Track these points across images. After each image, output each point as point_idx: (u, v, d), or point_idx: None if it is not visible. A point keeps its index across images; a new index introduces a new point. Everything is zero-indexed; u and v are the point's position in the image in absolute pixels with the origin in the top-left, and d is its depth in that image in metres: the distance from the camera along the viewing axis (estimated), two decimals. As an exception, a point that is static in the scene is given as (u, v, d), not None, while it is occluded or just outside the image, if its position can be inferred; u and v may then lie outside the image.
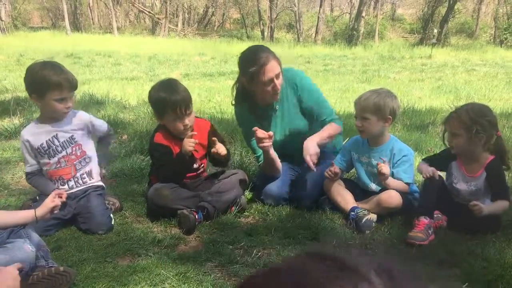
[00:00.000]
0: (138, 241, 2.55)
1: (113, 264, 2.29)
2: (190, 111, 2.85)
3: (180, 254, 2.43)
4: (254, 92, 3.04)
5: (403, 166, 2.90)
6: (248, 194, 3.21)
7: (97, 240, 2.57)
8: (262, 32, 30.14)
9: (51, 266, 2.08)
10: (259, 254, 2.45)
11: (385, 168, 2.75)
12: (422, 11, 29.14)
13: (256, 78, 2.89)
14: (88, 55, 15.66)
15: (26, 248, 2.00)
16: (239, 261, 2.35)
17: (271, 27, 28.81)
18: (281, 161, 3.21)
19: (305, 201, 3.03)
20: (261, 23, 30.73)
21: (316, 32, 27.43)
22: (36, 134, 2.78)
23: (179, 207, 2.78)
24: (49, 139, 2.77)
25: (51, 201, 2.27)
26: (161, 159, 2.91)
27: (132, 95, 7.72)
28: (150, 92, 2.91)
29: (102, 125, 3.05)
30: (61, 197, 2.34)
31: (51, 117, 2.79)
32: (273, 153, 3.00)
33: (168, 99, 2.77)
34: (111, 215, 2.79)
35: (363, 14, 25.94)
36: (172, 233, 2.69)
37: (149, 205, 2.91)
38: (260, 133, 2.84)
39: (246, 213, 2.99)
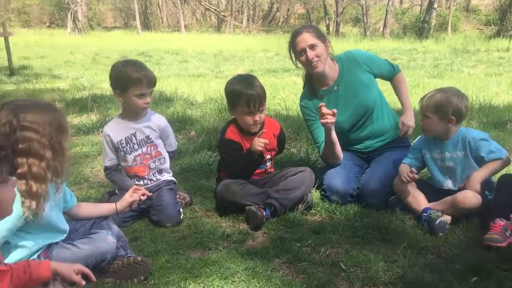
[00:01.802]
0: (208, 235, 2.63)
1: (185, 256, 2.38)
2: (262, 108, 2.90)
3: (248, 250, 2.47)
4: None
5: (487, 148, 2.78)
6: (314, 192, 3.20)
7: (170, 232, 2.68)
8: (328, 26, 29.77)
9: (130, 256, 2.21)
10: (327, 252, 2.44)
11: None
12: (499, 1, 27.40)
13: (292, 49, 3.19)
14: (157, 53, 16.27)
15: (109, 239, 2.13)
16: (307, 259, 2.36)
17: (336, 21, 28.37)
18: (345, 153, 3.23)
19: (373, 199, 2.98)
20: (326, 17, 30.35)
21: (384, 26, 26.67)
22: (116, 129, 2.92)
23: (247, 203, 2.83)
24: (127, 136, 2.90)
25: (130, 196, 2.42)
26: (231, 155, 2.97)
27: (199, 92, 7.91)
28: (226, 84, 3.00)
29: (172, 144, 3.13)
30: (144, 195, 2.53)
31: (132, 113, 2.92)
32: (334, 136, 3.05)
33: (243, 92, 2.85)
34: (181, 209, 2.88)
35: (435, 5, 24.86)
36: (240, 228, 2.74)
37: (218, 200, 2.98)
38: (325, 109, 2.93)
39: (312, 211, 2.98)
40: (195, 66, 13.34)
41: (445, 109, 2.76)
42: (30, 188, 1.79)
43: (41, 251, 1.99)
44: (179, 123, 5.23)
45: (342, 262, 2.32)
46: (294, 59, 3.22)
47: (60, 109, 2.02)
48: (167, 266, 2.27)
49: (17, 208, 1.79)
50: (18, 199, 1.77)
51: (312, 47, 3.08)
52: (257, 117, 2.89)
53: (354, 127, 3.27)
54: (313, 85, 3.31)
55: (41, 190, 1.82)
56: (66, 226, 2.13)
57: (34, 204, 1.81)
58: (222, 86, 8.47)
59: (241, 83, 2.91)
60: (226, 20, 30.94)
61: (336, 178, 3.08)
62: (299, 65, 3.23)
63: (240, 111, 2.90)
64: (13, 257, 1.88)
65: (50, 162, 1.85)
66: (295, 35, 3.15)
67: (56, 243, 2.05)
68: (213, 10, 33.66)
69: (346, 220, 2.83)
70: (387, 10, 26.85)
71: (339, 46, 19.62)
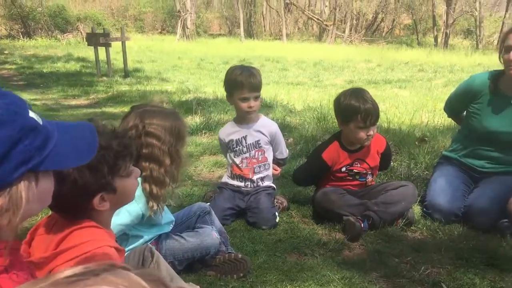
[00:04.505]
0: (304, 240, 2.66)
1: (282, 259, 2.43)
2: (377, 122, 2.86)
3: (345, 259, 2.46)
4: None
5: None
6: (416, 207, 3.09)
7: (267, 234, 2.74)
8: (436, 38, 28.42)
9: (231, 252, 2.32)
10: (428, 271, 2.35)
11: None
12: None
13: (502, 41, 2.91)
14: (258, 60, 16.65)
15: (213, 234, 2.25)
16: (406, 276, 2.29)
17: (446, 33, 26.97)
18: (454, 170, 3.11)
19: (480, 217, 2.80)
20: (435, 28, 29.00)
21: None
22: (228, 131, 3.08)
23: (344, 213, 2.81)
24: (238, 139, 3.03)
25: None
26: (311, 169, 3.08)
27: (298, 100, 7.97)
28: (339, 98, 2.93)
29: (283, 152, 3.17)
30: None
31: (241, 117, 3.04)
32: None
33: (361, 107, 2.77)
34: (276, 213, 2.94)
35: (560, 17, 22.66)
36: (337, 237, 2.73)
37: (315, 208, 3.00)
38: None
39: (413, 228, 2.88)
40: (294, 74, 13.48)
41: None
42: (152, 191, 1.95)
43: (152, 240, 2.15)
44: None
45: (444, 283, 2.22)
46: (500, 52, 2.94)
47: (182, 118, 2.15)
48: (265, 266, 2.34)
49: (137, 208, 1.96)
50: (141, 200, 1.95)
51: None
52: (371, 132, 2.84)
53: (493, 143, 3.02)
54: (499, 82, 3.00)
55: (160, 193, 1.98)
56: (172, 218, 2.27)
57: (155, 205, 1.97)
58: (321, 95, 8.46)
59: (357, 98, 2.82)
60: (328, 30, 30.82)
61: (441, 196, 2.95)
62: (501, 60, 2.95)
63: (355, 126, 2.82)
64: (130, 246, 2.04)
65: (168, 168, 1.99)
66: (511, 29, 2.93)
67: (166, 233, 2.21)
68: (315, 20, 33.69)
69: (450, 240, 2.70)
70: (503, 23, 24.99)
71: (447, 58, 18.68)
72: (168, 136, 1.98)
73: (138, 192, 1.89)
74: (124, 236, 2.01)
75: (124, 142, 1.33)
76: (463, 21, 30.81)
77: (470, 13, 27.60)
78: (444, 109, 3.48)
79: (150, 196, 1.95)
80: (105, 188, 1.28)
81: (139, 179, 1.88)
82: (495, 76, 3.01)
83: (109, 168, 1.27)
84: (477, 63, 16.07)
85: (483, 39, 26.42)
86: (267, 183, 3.12)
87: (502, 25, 24.85)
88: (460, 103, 3.24)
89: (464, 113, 3.23)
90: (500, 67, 2.96)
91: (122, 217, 1.89)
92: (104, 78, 10.58)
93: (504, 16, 25.56)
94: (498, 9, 32.93)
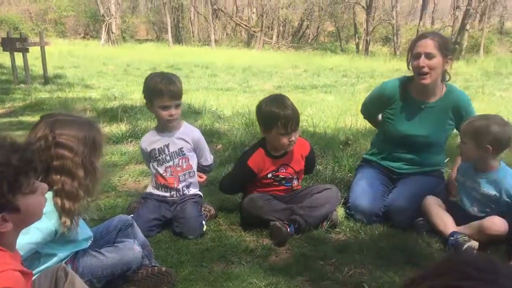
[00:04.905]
0: (231, 248, 2.64)
1: (208, 269, 2.40)
2: (298, 128, 2.90)
3: (271, 265, 2.47)
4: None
5: None
6: (340, 208, 3.18)
7: (194, 244, 2.69)
8: (357, 45, 29.75)
9: (154, 266, 2.23)
10: (351, 272, 2.41)
11: None
12: (535, 23, 26.84)
13: (410, 49, 3.07)
14: (187, 66, 16.51)
15: (135, 249, 2.16)
16: (330, 278, 2.34)
17: (366, 40, 28.32)
18: (373, 172, 3.25)
19: (399, 216, 2.94)
20: (356, 36, 30.35)
21: (415, 46, 26.42)
22: (150, 140, 2.98)
23: (271, 219, 2.83)
24: (160, 147, 2.94)
25: None
26: (238, 177, 3.09)
27: (227, 105, 7.98)
28: (260, 105, 2.94)
29: (208, 158, 3.13)
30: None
31: (162, 125, 2.96)
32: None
33: (281, 113, 2.79)
34: (203, 222, 2.89)
35: (468, 27, 24.55)
36: (264, 243, 2.74)
37: (242, 214, 2.99)
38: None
39: (337, 230, 2.96)
40: (223, 80, 13.51)
41: (482, 136, 2.65)
42: (64, 205, 1.83)
43: (67, 258, 2.02)
44: (207, 136, 5.23)
45: (366, 283, 2.29)
46: (408, 60, 3.07)
47: (97, 127, 2.03)
48: (190, 278, 2.28)
49: (49, 224, 1.83)
50: (53, 215, 1.83)
51: (428, 55, 2.93)
52: (293, 137, 2.88)
53: (408, 146, 3.19)
54: (409, 88, 3.16)
55: (74, 208, 1.86)
56: (90, 233, 2.15)
57: (68, 221, 1.85)
58: (250, 100, 8.51)
59: (277, 105, 2.85)
60: (256, 36, 31.24)
61: (362, 198, 3.06)
62: (410, 67, 3.07)
63: (276, 133, 2.85)
64: (43, 265, 1.91)
65: (82, 181, 1.88)
66: (419, 37, 3.05)
67: (83, 250, 2.09)
68: (243, 26, 34.04)
69: (371, 240, 2.80)
70: (418, 31, 26.65)
71: (368, 64, 19.59)
72: (81, 146, 1.87)
73: (50, 207, 1.78)
74: (35, 255, 1.87)
75: (26, 157, 1.23)
76: (382, 29, 32.53)
77: (388, 21, 29.23)
78: (361, 112, 3.63)
79: (62, 211, 1.83)
80: (6, 208, 1.17)
81: (50, 194, 1.77)
82: (405, 82, 3.19)
83: (9, 186, 1.17)
84: (396, 68, 17.01)
85: (400, 46, 27.99)
86: (194, 190, 3.06)
87: (417, 33, 26.48)
88: (375, 108, 3.41)
89: (380, 116, 3.39)
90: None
91: (32, 235, 1.75)
92: (22, 85, 9.98)
93: (418, 25, 27.32)
94: (413, 18, 35.14)
